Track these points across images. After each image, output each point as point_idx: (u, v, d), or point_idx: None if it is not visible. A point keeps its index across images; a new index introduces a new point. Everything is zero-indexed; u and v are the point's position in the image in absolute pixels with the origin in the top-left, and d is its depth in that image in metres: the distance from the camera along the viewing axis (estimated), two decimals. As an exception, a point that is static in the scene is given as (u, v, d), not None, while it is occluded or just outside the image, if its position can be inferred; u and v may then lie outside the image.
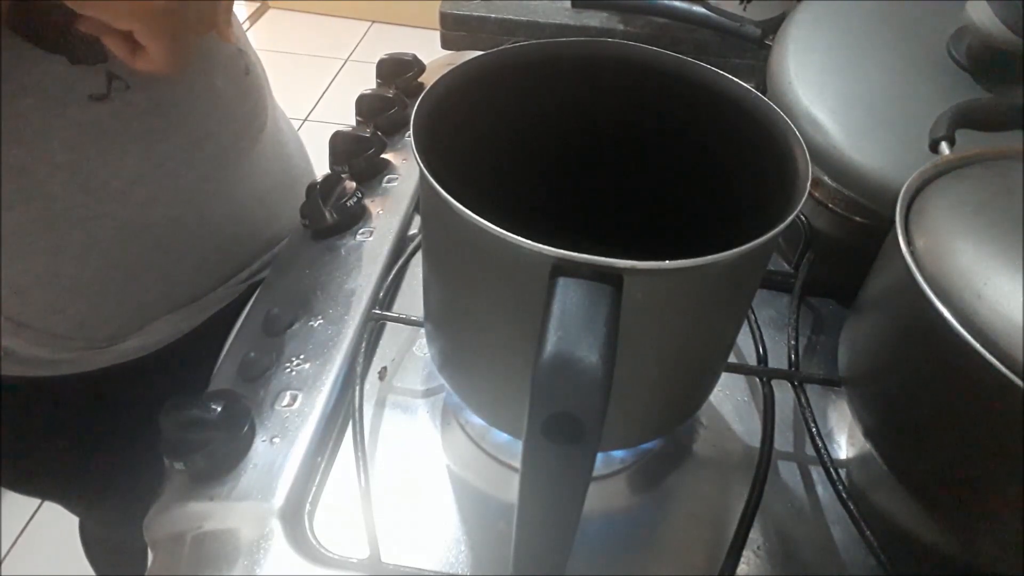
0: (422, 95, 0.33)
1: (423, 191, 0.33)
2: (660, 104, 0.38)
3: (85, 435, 0.58)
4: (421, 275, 0.38)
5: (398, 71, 0.65)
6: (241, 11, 2.55)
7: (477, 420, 0.41)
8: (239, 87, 0.54)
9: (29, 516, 1.20)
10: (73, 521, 0.80)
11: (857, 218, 0.48)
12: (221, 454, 0.38)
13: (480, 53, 0.36)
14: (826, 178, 0.48)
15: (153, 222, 0.50)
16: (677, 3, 0.65)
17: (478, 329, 0.34)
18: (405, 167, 0.58)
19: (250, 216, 0.58)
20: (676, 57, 0.37)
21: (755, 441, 0.41)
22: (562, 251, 0.26)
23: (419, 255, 0.51)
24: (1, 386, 0.52)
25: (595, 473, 0.33)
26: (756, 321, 0.47)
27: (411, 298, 0.50)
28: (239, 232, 0.58)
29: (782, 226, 0.28)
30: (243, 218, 0.58)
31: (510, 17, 0.74)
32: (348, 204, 0.52)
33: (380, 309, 0.47)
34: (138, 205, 0.48)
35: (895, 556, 0.36)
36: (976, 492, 0.32)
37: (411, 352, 0.47)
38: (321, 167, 0.60)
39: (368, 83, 0.64)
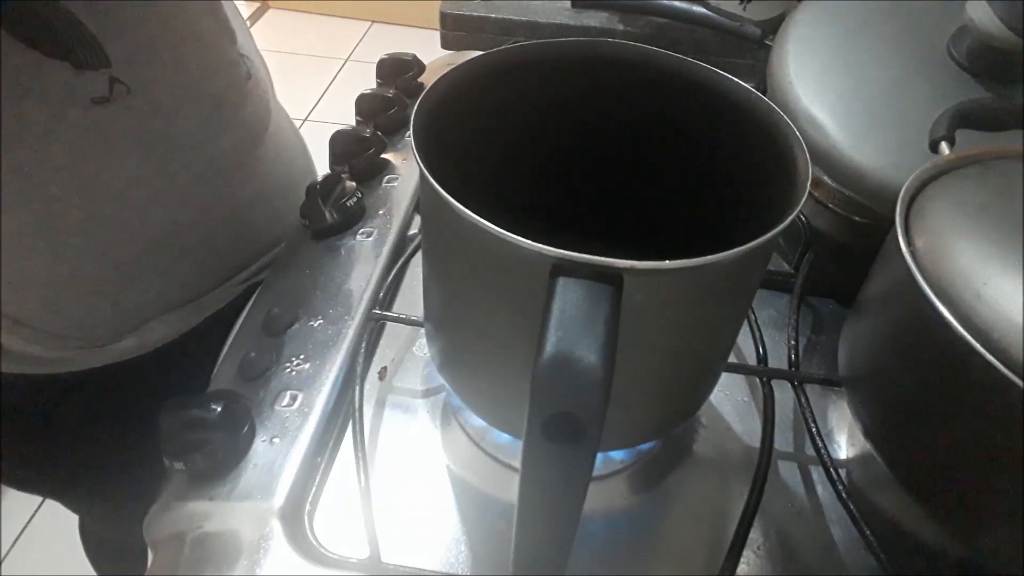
0: (422, 95, 0.32)
1: (423, 191, 0.33)
2: (660, 104, 0.38)
3: (83, 433, 0.58)
4: (421, 275, 0.38)
5: (398, 71, 0.65)
6: (241, 11, 2.54)
7: (477, 420, 0.41)
8: (240, 92, 0.54)
9: (29, 516, 1.20)
10: (73, 521, 0.80)
11: (857, 218, 0.48)
12: (221, 454, 0.38)
13: (480, 53, 0.36)
14: (826, 178, 0.48)
15: (152, 223, 0.50)
16: (677, 3, 0.65)
17: (478, 329, 0.34)
18: (405, 167, 0.58)
19: (250, 218, 0.58)
20: (676, 57, 0.37)
21: (755, 441, 0.41)
22: (562, 251, 0.26)
23: (419, 255, 0.51)
24: (1, 383, 0.52)
25: (595, 473, 0.33)
26: (756, 321, 0.47)
27: (411, 298, 0.50)
28: (238, 234, 0.58)
29: (782, 226, 0.28)
30: (243, 220, 0.58)
31: (510, 17, 0.74)
32: (348, 204, 0.52)
33: (380, 309, 0.47)
34: (137, 207, 0.49)
35: (895, 556, 0.36)
36: (976, 492, 0.32)
37: (411, 352, 0.47)
38: (321, 167, 0.60)
39: (368, 83, 0.64)
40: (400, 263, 0.51)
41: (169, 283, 0.54)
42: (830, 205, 0.49)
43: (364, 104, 0.61)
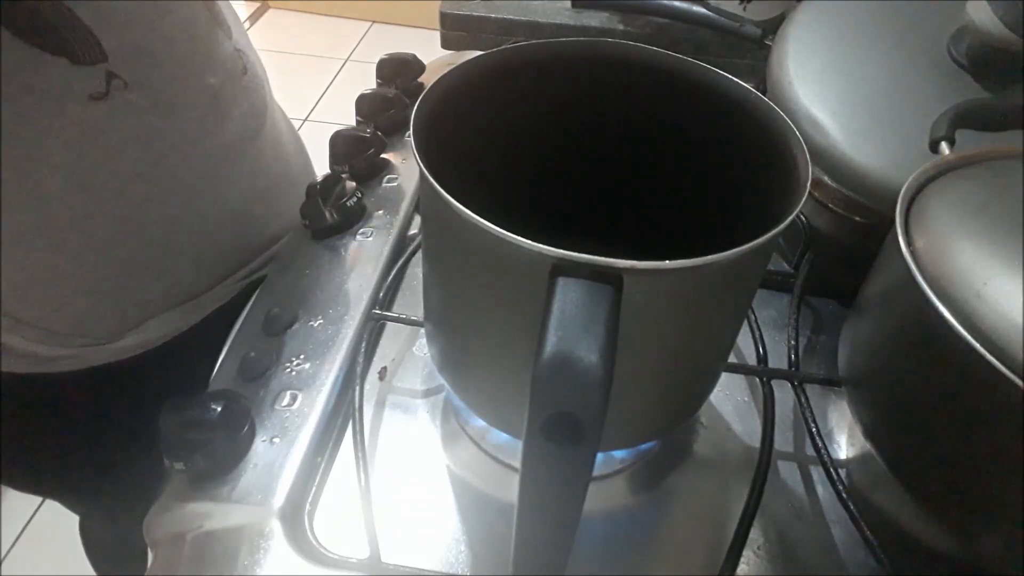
0: (422, 95, 0.33)
1: (423, 191, 0.33)
2: (660, 104, 0.38)
3: (85, 432, 0.58)
4: (421, 275, 0.38)
5: (398, 71, 0.65)
6: (241, 11, 2.55)
7: (477, 420, 0.41)
8: (236, 87, 0.54)
9: (29, 516, 1.20)
10: (73, 521, 0.80)
11: (857, 218, 0.48)
12: (221, 454, 0.38)
13: (480, 53, 0.36)
14: (826, 178, 0.48)
15: (151, 220, 0.50)
16: (677, 3, 0.65)
17: (478, 329, 0.34)
18: (405, 167, 0.58)
19: (248, 215, 0.58)
20: (676, 57, 0.37)
21: (755, 441, 0.41)
22: (562, 251, 0.26)
23: (419, 255, 0.51)
24: (1, 382, 0.52)
25: (595, 473, 0.33)
26: (756, 321, 0.47)
27: (411, 298, 0.50)
28: (238, 230, 0.58)
29: (782, 226, 0.28)
30: (241, 216, 0.58)
31: (510, 17, 0.74)
32: (348, 204, 0.52)
33: (380, 309, 0.47)
34: (136, 203, 0.49)
35: (895, 556, 0.36)
36: (976, 492, 0.32)
37: (411, 352, 0.47)
38: (321, 167, 0.60)
39: (368, 83, 0.64)
40: (400, 263, 0.51)
41: (170, 280, 0.54)
42: (830, 205, 0.49)
43: (364, 104, 0.61)
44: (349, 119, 0.63)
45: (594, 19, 0.73)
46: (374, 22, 2.55)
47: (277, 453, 0.39)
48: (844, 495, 0.38)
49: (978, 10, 0.44)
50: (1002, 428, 0.30)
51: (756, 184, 0.35)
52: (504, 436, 0.41)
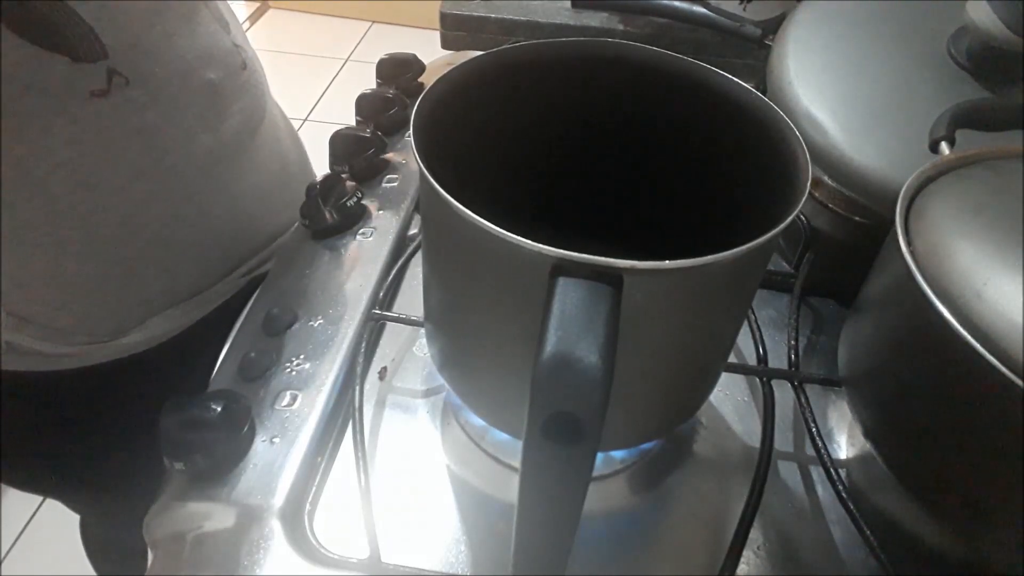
0: (422, 95, 0.33)
1: (423, 191, 0.33)
2: (660, 104, 0.38)
3: (87, 430, 0.58)
4: (421, 275, 0.38)
5: (398, 71, 0.65)
6: (241, 11, 2.55)
7: (477, 420, 0.41)
8: (236, 82, 0.54)
9: (29, 516, 1.20)
10: (73, 521, 0.80)
11: (857, 218, 0.48)
12: (221, 454, 0.38)
13: (480, 53, 0.36)
14: (826, 178, 0.48)
15: (153, 217, 0.50)
16: (677, 3, 0.65)
17: (478, 329, 0.34)
18: (405, 167, 0.58)
19: (249, 211, 0.59)
20: (676, 57, 0.37)
21: (755, 441, 0.41)
22: (562, 251, 0.26)
23: (419, 255, 0.51)
24: (2, 381, 0.52)
25: (595, 473, 0.33)
26: (756, 321, 0.47)
27: (411, 298, 0.50)
28: (239, 227, 0.58)
29: (782, 226, 0.28)
30: (242, 213, 0.58)
31: (510, 17, 0.74)
32: (348, 204, 0.52)
33: (380, 309, 0.47)
34: (138, 200, 0.49)
35: (895, 556, 0.36)
36: (976, 492, 0.32)
37: (411, 352, 0.47)
38: (321, 167, 0.60)
39: (368, 83, 0.64)
40: (400, 263, 0.51)
41: (173, 277, 0.54)
42: (830, 205, 0.49)
43: (364, 104, 0.61)
44: (349, 119, 0.63)
45: (594, 19, 0.73)
46: (374, 22, 2.56)
47: (277, 453, 0.39)
48: (844, 495, 0.38)
49: (978, 10, 0.44)
50: (1002, 428, 0.30)
51: (756, 184, 0.35)
52: (504, 436, 0.41)
